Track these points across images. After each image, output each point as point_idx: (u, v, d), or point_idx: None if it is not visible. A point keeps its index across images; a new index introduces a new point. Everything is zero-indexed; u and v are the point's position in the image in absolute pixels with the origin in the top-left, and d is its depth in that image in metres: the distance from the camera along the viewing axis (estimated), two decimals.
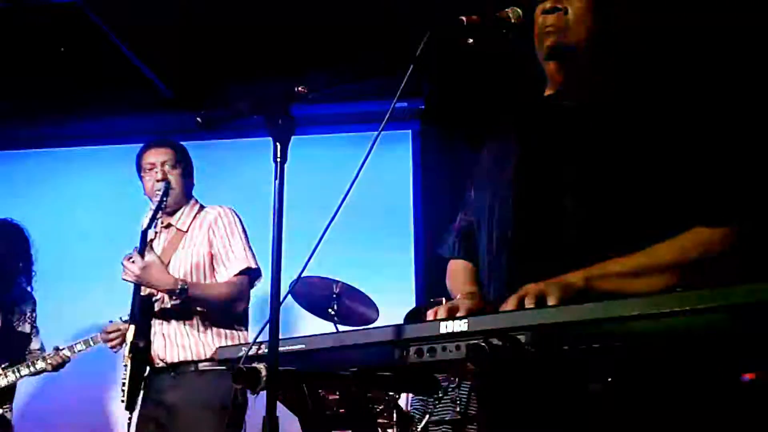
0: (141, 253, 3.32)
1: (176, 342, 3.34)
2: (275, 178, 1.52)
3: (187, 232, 3.49)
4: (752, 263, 1.59)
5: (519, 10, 1.74)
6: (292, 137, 1.54)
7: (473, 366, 1.29)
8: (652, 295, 1.26)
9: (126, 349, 3.31)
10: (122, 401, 3.26)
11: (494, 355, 1.27)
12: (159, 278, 3.26)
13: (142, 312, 3.34)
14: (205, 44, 4.76)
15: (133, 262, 3.27)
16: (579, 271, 1.56)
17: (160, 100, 5.37)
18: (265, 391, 1.44)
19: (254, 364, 1.49)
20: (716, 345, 1.27)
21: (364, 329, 1.68)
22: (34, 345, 4.39)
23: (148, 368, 3.36)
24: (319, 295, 4.32)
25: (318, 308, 4.41)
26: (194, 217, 3.53)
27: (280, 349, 1.47)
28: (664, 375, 1.48)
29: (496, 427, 1.81)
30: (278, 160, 1.52)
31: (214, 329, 3.38)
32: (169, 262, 3.41)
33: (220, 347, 1.79)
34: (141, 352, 3.28)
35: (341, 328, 4.37)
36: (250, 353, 1.59)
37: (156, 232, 3.59)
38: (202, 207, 3.58)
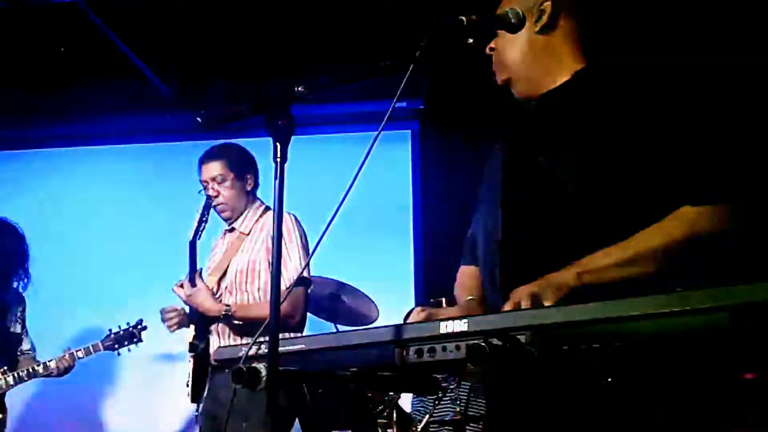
0: (192, 262, 3.45)
1: (230, 342, 3.40)
2: (275, 178, 1.52)
3: (248, 234, 3.53)
4: (752, 262, 1.59)
5: (519, 10, 1.75)
6: (292, 137, 1.54)
7: (473, 366, 1.29)
8: (652, 295, 1.26)
9: (187, 348, 3.46)
10: (188, 395, 3.42)
11: (494, 355, 1.27)
12: (204, 305, 3.39)
13: (200, 315, 3.44)
14: (204, 44, 4.76)
15: (182, 287, 3.44)
16: (570, 268, 1.56)
17: (160, 100, 5.36)
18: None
19: (254, 364, 1.49)
20: (716, 345, 1.27)
21: (364, 329, 1.68)
22: (25, 345, 4.37)
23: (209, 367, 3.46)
24: (319, 295, 4.32)
25: (318, 308, 4.41)
26: (256, 220, 3.56)
27: (280, 349, 1.47)
28: (664, 375, 1.48)
29: (495, 427, 1.82)
30: (278, 160, 1.52)
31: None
32: (227, 269, 3.49)
33: (219, 347, 1.79)
34: (200, 351, 3.42)
35: (341, 328, 4.37)
36: (250, 353, 1.59)
37: (223, 235, 3.66)
38: (267, 209, 3.58)
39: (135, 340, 4.24)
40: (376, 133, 1.52)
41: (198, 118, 1.59)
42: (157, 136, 5.76)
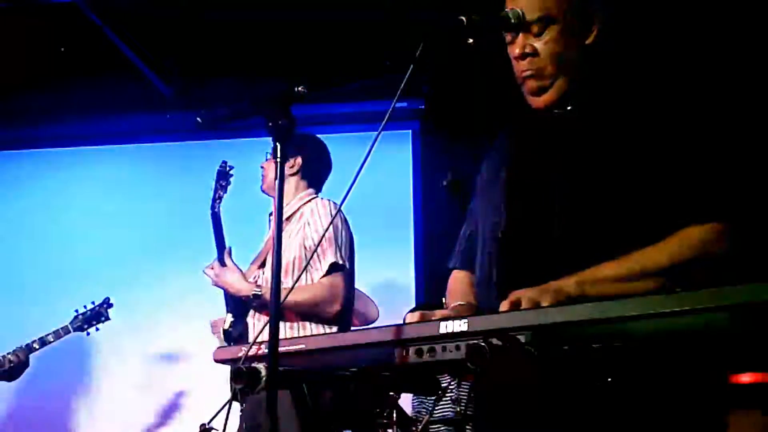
0: (217, 236, 3.47)
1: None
2: (275, 178, 1.52)
3: (289, 219, 3.45)
4: (751, 263, 1.59)
5: (519, 10, 1.75)
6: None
7: (473, 366, 1.29)
8: (652, 295, 1.26)
9: (221, 337, 3.41)
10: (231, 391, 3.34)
11: (494, 355, 1.27)
12: (234, 285, 3.34)
13: (236, 302, 3.41)
14: (205, 44, 4.76)
15: (212, 269, 3.40)
16: (571, 277, 1.56)
17: (160, 99, 5.36)
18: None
19: (254, 364, 1.49)
20: (716, 345, 1.27)
21: (364, 329, 1.68)
22: None
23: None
24: None
25: None
26: (299, 208, 3.49)
27: (280, 349, 1.47)
28: (664, 375, 1.48)
29: (496, 427, 1.82)
30: (278, 160, 1.53)
31: (304, 323, 3.29)
32: (266, 257, 3.46)
33: (219, 347, 1.79)
34: (236, 341, 3.35)
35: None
36: (250, 353, 1.59)
37: (269, 220, 3.63)
38: (313, 198, 3.51)
39: (102, 318, 4.24)
40: (376, 133, 1.52)
41: (198, 118, 1.59)
42: (157, 136, 5.76)
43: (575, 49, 1.77)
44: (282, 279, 3.28)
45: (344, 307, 3.32)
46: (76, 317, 4.21)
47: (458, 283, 2.02)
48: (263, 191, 3.60)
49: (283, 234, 3.40)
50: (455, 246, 2.10)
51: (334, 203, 3.43)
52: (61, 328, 4.16)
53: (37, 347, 4.13)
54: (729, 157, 1.66)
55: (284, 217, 3.46)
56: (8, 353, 4.12)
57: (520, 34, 1.76)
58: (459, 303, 1.91)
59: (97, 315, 4.23)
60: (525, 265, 1.70)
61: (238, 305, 3.40)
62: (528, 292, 1.50)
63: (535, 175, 1.77)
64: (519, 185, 1.80)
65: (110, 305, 4.28)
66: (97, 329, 4.26)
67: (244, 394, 3.36)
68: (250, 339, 3.37)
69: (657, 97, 1.74)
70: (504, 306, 1.49)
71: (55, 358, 4.32)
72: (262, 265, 3.47)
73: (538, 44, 1.75)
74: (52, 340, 4.15)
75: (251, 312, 3.40)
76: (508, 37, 1.79)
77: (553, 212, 1.70)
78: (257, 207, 3.68)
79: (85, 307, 4.25)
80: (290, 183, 3.51)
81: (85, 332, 4.24)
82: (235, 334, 3.37)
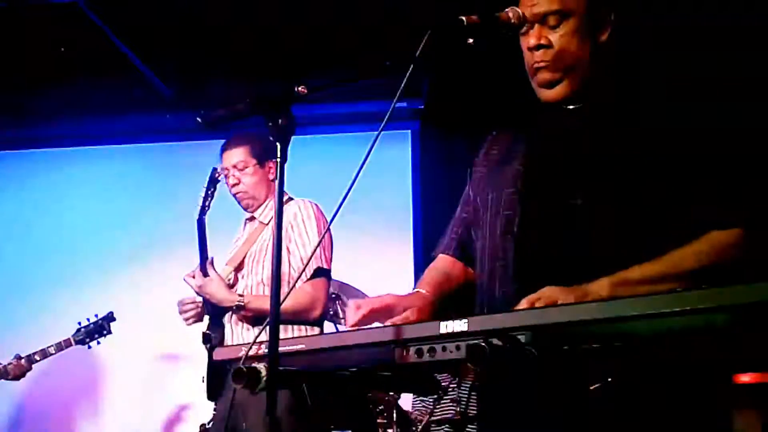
0: (201, 244, 3.38)
1: (241, 336, 3.31)
2: (275, 178, 1.52)
3: (268, 224, 3.43)
4: (756, 264, 1.60)
5: (519, 10, 1.75)
6: (292, 137, 1.54)
7: (473, 366, 1.29)
8: (651, 295, 1.26)
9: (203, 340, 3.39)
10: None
11: (494, 355, 1.27)
12: (216, 295, 3.30)
13: (214, 307, 3.37)
14: (205, 44, 4.76)
15: (193, 277, 3.35)
16: (602, 279, 1.55)
17: (160, 100, 5.36)
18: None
19: (254, 364, 1.49)
20: (716, 345, 1.27)
21: (364, 329, 1.68)
22: None
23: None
24: None
25: None
26: None
27: (280, 349, 1.47)
28: (664, 375, 1.48)
29: (496, 427, 1.81)
30: (278, 160, 1.53)
31: (285, 327, 3.24)
32: (244, 258, 3.40)
33: (219, 347, 1.79)
34: (215, 344, 3.33)
35: (341, 328, 4.37)
36: (250, 353, 1.59)
37: (243, 225, 3.57)
38: (290, 199, 3.43)
39: (105, 332, 4.26)
40: (376, 133, 1.52)
41: (198, 118, 1.59)
42: (157, 136, 5.76)
43: (589, 46, 1.77)
44: (265, 284, 3.33)
45: (324, 311, 3.36)
46: (78, 330, 4.23)
47: (431, 270, 2.03)
48: (246, 208, 3.51)
49: (260, 238, 3.42)
50: (447, 231, 2.10)
51: (315, 204, 3.39)
52: (63, 341, 4.18)
53: (39, 359, 4.17)
54: (752, 163, 1.66)
55: (263, 221, 3.46)
56: (9, 363, 4.15)
57: (536, 25, 1.77)
58: (419, 290, 1.92)
59: (99, 329, 4.25)
60: (545, 259, 1.70)
61: (216, 309, 3.38)
62: (553, 292, 1.50)
63: (555, 170, 1.77)
64: (536, 178, 1.80)
65: (113, 319, 4.29)
66: (99, 343, 4.28)
67: (219, 395, 3.32)
68: (228, 342, 3.36)
69: (676, 99, 1.75)
70: (522, 305, 1.49)
71: (58, 359, 4.31)
72: (239, 268, 3.43)
73: (553, 37, 1.76)
74: (53, 352, 4.18)
75: (227, 316, 3.38)
76: (523, 28, 1.79)
77: (574, 209, 1.70)
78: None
79: (88, 320, 4.26)
80: (265, 188, 3.47)
81: (86, 345, 4.26)
82: (215, 338, 3.35)
